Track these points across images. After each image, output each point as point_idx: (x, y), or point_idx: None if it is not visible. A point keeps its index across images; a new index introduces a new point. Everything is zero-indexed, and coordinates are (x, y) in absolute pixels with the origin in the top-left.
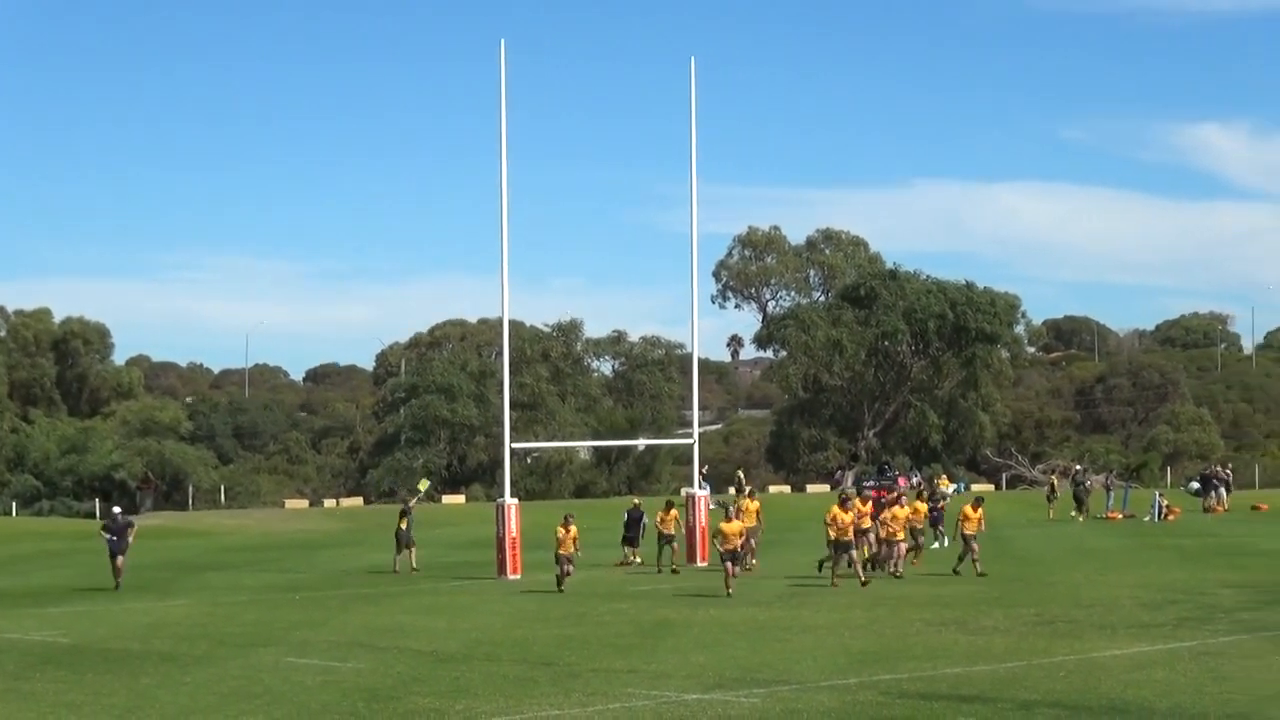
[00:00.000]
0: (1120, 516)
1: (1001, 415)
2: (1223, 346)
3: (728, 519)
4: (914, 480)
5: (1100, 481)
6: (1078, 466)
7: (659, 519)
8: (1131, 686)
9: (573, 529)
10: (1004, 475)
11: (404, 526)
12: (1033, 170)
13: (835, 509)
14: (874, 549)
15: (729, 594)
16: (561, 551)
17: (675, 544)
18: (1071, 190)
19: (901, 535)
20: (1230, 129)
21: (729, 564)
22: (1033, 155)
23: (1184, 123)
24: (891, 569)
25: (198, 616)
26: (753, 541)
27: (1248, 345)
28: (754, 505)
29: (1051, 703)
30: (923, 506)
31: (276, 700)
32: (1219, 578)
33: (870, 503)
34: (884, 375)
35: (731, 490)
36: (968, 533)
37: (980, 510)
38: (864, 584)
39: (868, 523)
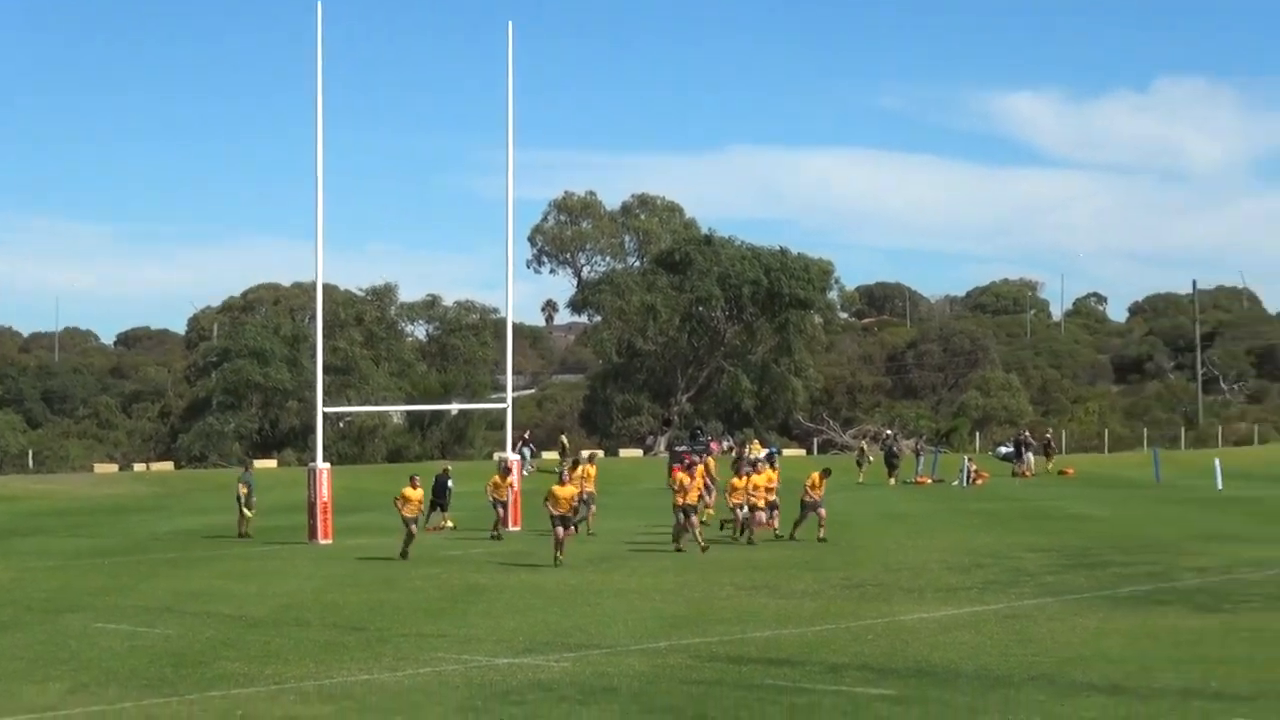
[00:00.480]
0: (929, 481)
1: (814, 380)
2: (1032, 313)
3: (561, 483)
4: (725, 445)
5: (910, 446)
6: (888, 431)
7: (493, 484)
8: (938, 649)
9: (420, 490)
10: (815, 440)
11: (244, 492)
12: (848, 137)
13: (679, 473)
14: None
15: (559, 560)
16: (407, 514)
17: (502, 510)
18: (886, 157)
19: (762, 502)
20: (1041, 97)
21: (559, 529)
22: (848, 122)
23: (997, 91)
24: (748, 536)
25: (3, 581)
26: (592, 507)
27: (1057, 312)
28: (593, 470)
29: (859, 665)
30: (773, 475)
31: (83, 665)
32: (1026, 542)
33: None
34: (698, 340)
35: (556, 455)
36: (812, 499)
37: (825, 481)
38: (704, 549)
39: (699, 487)
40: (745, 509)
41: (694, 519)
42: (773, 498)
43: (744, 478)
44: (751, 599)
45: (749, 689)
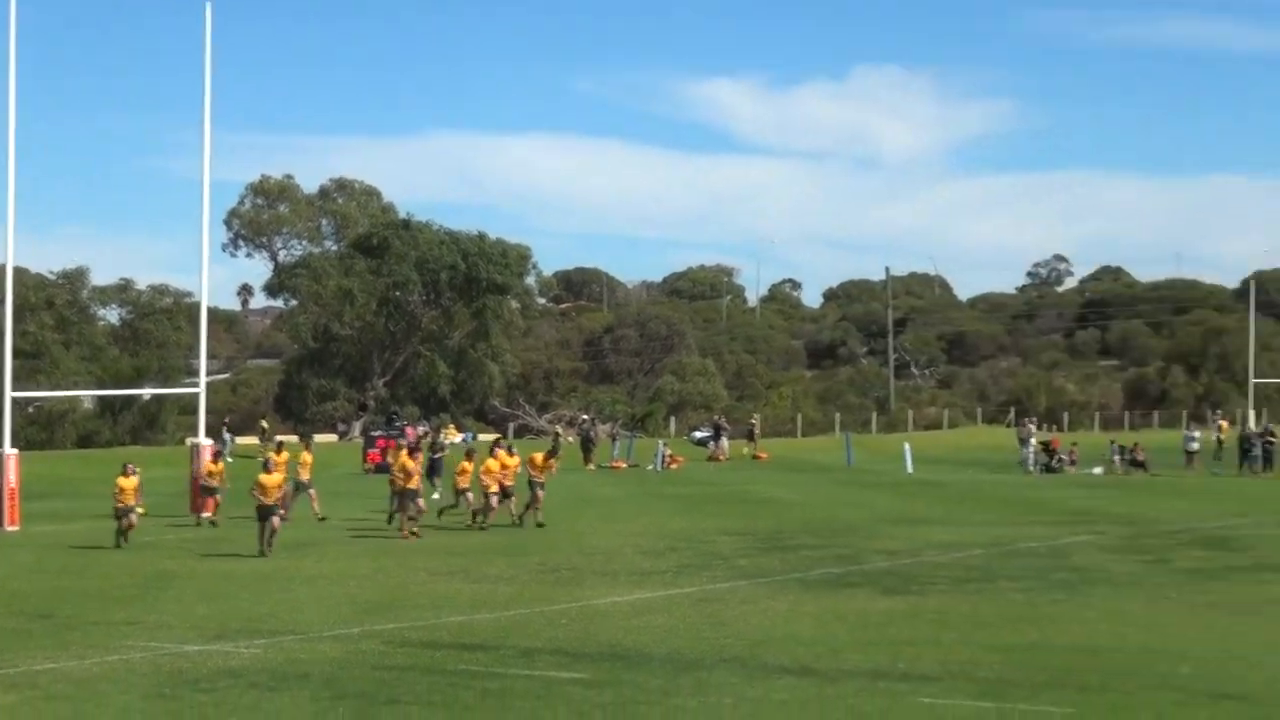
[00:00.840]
0: (625, 465)
1: (511, 365)
2: (728, 299)
3: (267, 472)
4: (421, 430)
5: (606, 431)
6: (584, 416)
7: (207, 471)
8: (631, 632)
9: (134, 478)
10: (511, 425)
11: None
12: (545, 122)
13: (403, 457)
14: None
15: (264, 552)
16: (121, 503)
17: (219, 496)
18: (584, 142)
19: (495, 488)
20: (739, 84)
21: (274, 519)
22: (546, 107)
23: (695, 78)
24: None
25: None
26: (313, 491)
27: (752, 298)
28: (309, 457)
29: (552, 649)
30: (539, 457)
31: None
32: (719, 525)
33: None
34: (395, 325)
35: (255, 439)
36: (540, 480)
37: (552, 461)
38: (415, 536)
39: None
40: (469, 493)
41: (417, 503)
42: (510, 483)
43: (471, 460)
44: (446, 584)
45: (442, 674)
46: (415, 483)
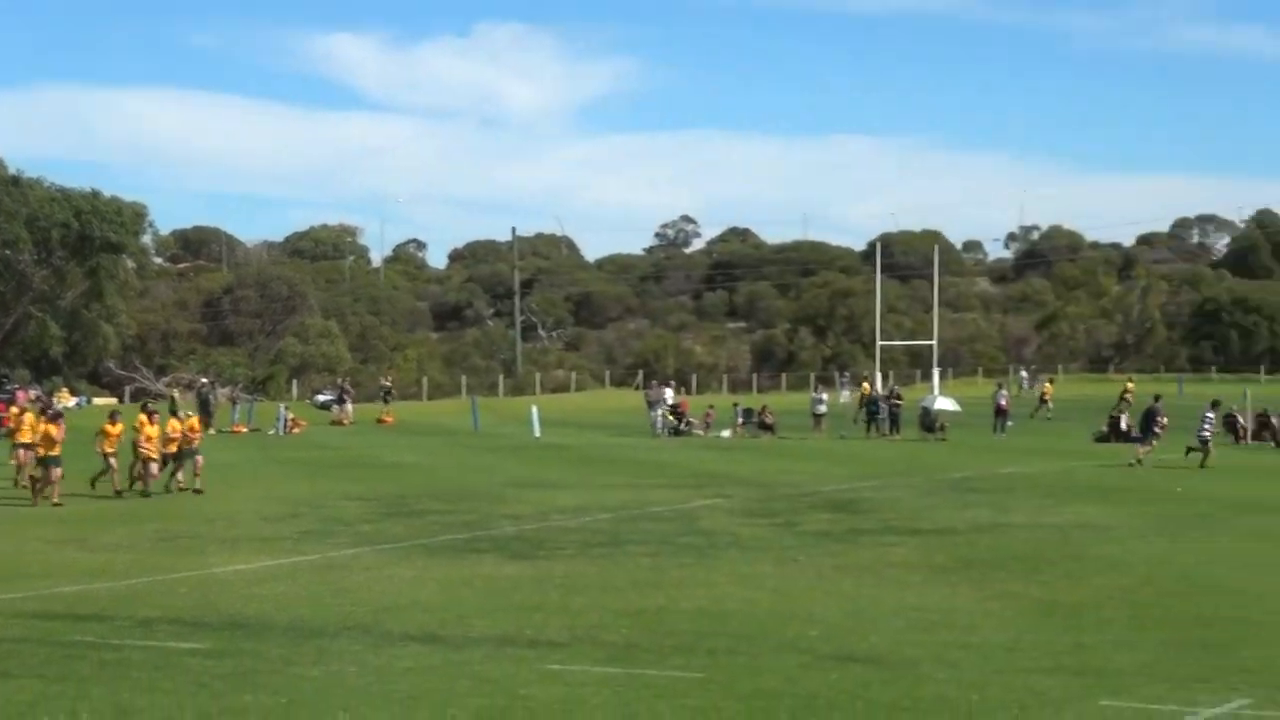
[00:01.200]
0: (246, 430)
1: (126, 327)
2: (351, 259)
3: None
4: (33, 394)
5: (226, 394)
6: (204, 379)
7: None
8: (252, 601)
9: None
10: (128, 388)
11: None
12: (162, 76)
13: (43, 424)
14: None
15: None
16: None
17: None
18: (202, 98)
19: (156, 454)
20: (362, 39)
21: None
22: (162, 61)
23: (316, 32)
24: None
25: None
26: None
27: (376, 258)
28: None
29: (171, 619)
30: (184, 425)
31: None
32: (343, 490)
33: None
34: (4, 285)
35: None
36: (192, 445)
37: (188, 424)
38: (57, 504)
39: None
40: (114, 458)
41: (56, 471)
42: (173, 449)
43: (116, 423)
44: (61, 553)
45: (56, 645)
46: (58, 450)
